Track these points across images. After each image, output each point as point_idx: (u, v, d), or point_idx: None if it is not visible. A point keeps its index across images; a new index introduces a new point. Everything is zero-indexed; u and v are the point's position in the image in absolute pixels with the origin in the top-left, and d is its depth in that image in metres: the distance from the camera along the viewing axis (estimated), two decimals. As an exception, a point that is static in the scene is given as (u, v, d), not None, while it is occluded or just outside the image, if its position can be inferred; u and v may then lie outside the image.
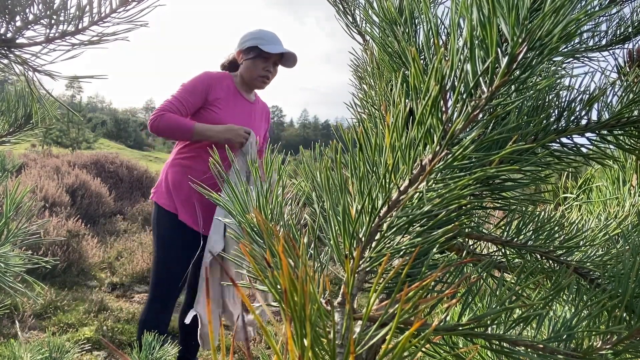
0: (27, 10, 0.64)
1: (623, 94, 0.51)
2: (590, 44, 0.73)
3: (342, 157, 0.44)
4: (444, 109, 0.39)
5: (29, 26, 0.65)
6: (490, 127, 0.44)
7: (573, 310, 0.47)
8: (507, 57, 0.36)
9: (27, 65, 0.68)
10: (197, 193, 2.15)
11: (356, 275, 0.40)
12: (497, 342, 0.43)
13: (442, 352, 0.50)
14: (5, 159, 1.08)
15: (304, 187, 0.53)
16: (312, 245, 0.48)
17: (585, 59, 0.73)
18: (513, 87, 0.39)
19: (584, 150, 0.53)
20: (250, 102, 2.28)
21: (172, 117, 2.04)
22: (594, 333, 0.46)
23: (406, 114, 0.41)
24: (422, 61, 0.51)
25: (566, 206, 0.76)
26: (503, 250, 0.56)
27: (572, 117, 0.52)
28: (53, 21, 0.65)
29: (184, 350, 2.36)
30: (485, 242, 0.60)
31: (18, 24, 0.65)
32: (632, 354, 0.46)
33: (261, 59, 2.17)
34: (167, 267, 2.16)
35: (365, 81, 0.65)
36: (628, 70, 0.68)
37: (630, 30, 0.72)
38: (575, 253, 0.56)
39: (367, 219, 0.40)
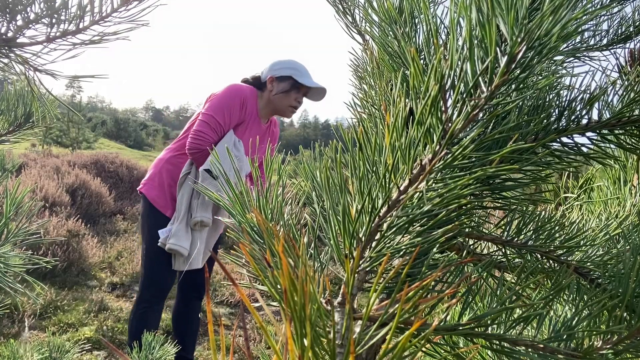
0: (29, 9, 0.64)
1: (624, 93, 0.51)
2: (591, 43, 0.73)
3: (342, 156, 0.44)
4: (443, 108, 0.39)
5: (30, 25, 0.65)
6: (490, 127, 0.44)
7: (573, 310, 0.47)
8: (506, 57, 0.36)
9: (27, 64, 0.68)
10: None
11: (356, 275, 0.40)
12: (497, 342, 0.43)
13: (442, 352, 0.50)
14: (5, 158, 1.08)
15: (304, 187, 0.53)
16: (312, 245, 0.48)
17: (586, 58, 0.73)
18: (513, 86, 0.39)
19: (584, 149, 0.53)
20: (263, 126, 2.28)
21: (201, 160, 2.02)
22: (594, 333, 0.46)
23: (406, 113, 0.40)
24: (421, 61, 0.51)
25: (567, 206, 0.76)
26: (503, 250, 0.56)
27: (573, 117, 0.52)
28: (54, 20, 0.65)
29: (181, 349, 2.36)
30: (485, 242, 0.60)
31: (19, 23, 0.65)
32: (632, 353, 0.46)
33: (295, 90, 2.17)
34: (156, 268, 2.17)
35: (365, 81, 0.65)
36: (629, 69, 0.68)
37: (631, 29, 0.72)
38: (576, 253, 0.56)
39: (367, 218, 0.40)
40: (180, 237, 2.03)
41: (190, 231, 2.09)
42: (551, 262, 0.56)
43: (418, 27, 0.53)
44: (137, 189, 2.26)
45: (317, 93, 2.25)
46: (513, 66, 0.36)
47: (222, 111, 2.05)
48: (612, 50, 0.73)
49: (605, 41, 0.73)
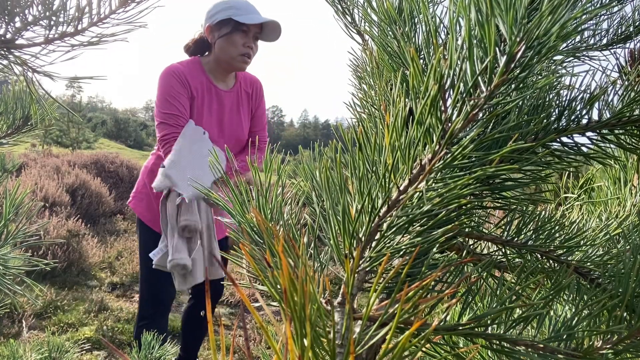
0: (27, 11, 0.64)
1: (624, 93, 0.51)
2: (591, 42, 0.73)
3: (341, 156, 0.44)
4: (443, 108, 0.39)
5: (29, 27, 0.65)
6: (489, 127, 0.43)
7: (573, 310, 0.47)
8: (505, 56, 0.36)
9: (26, 66, 0.68)
10: None
11: (356, 275, 0.40)
12: (497, 342, 0.43)
13: (442, 352, 0.50)
14: (5, 158, 1.08)
15: (304, 187, 0.53)
16: (312, 245, 0.48)
17: (586, 57, 0.73)
18: (512, 86, 0.39)
19: (584, 149, 0.53)
20: (227, 91, 1.90)
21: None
22: (594, 333, 0.46)
23: (406, 113, 0.40)
24: (421, 61, 0.51)
25: (567, 206, 0.76)
26: (503, 250, 0.56)
27: (573, 116, 0.52)
28: (52, 22, 0.65)
29: (184, 350, 2.33)
30: (485, 242, 0.60)
31: (17, 25, 0.65)
32: (632, 353, 0.46)
33: (239, 33, 1.75)
34: (155, 283, 1.95)
35: (365, 81, 0.65)
36: (629, 69, 0.68)
37: (631, 29, 0.72)
38: (576, 253, 0.56)
39: (367, 218, 0.40)
40: (181, 251, 1.72)
41: (186, 242, 1.76)
42: (551, 262, 0.56)
43: (417, 27, 0.53)
44: (127, 202, 2.04)
45: (270, 31, 1.80)
46: (512, 66, 0.36)
47: (167, 101, 1.75)
48: (612, 50, 0.73)
49: (605, 41, 0.73)
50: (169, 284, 1.89)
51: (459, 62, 0.38)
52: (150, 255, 1.80)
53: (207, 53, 1.91)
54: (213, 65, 1.85)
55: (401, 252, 0.41)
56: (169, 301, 2.06)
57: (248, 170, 1.81)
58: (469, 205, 0.48)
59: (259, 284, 0.45)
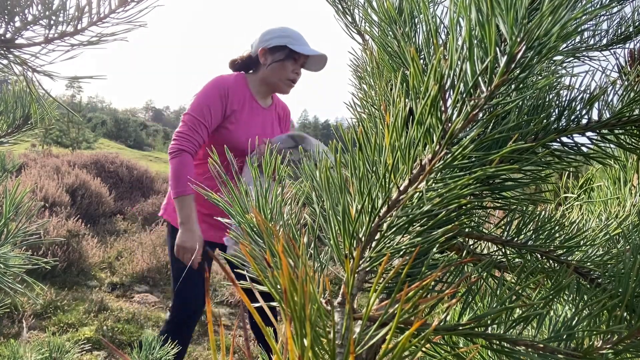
0: (26, 10, 0.64)
1: (624, 93, 0.51)
2: (591, 43, 0.73)
3: (341, 157, 0.44)
4: (443, 108, 0.39)
5: (28, 27, 0.65)
6: (490, 127, 0.43)
7: (573, 310, 0.47)
8: (505, 57, 0.36)
9: (26, 65, 0.68)
10: (205, 204, 1.97)
11: (356, 275, 0.40)
12: (497, 342, 0.43)
13: (442, 352, 0.50)
14: (5, 158, 1.08)
15: (304, 187, 0.53)
16: (312, 245, 0.48)
17: (586, 58, 0.73)
18: (512, 86, 0.39)
19: (584, 149, 0.53)
20: (265, 109, 2.05)
21: (178, 166, 1.85)
22: (594, 333, 0.46)
23: (406, 113, 0.40)
24: (421, 61, 0.51)
25: (567, 206, 0.76)
26: (503, 250, 0.56)
27: (573, 116, 0.52)
28: (52, 22, 0.65)
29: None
30: (485, 242, 0.60)
31: (17, 24, 0.65)
32: (632, 353, 0.46)
33: (291, 61, 1.92)
34: (190, 288, 1.99)
35: (365, 81, 0.65)
36: (629, 69, 0.68)
37: (631, 29, 0.72)
38: (576, 253, 0.56)
39: (367, 218, 0.40)
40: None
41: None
42: (551, 262, 0.56)
43: (418, 27, 0.53)
44: (159, 214, 2.11)
45: (317, 62, 1.98)
46: (513, 66, 0.36)
47: (202, 108, 1.86)
48: (611, 50, 0.73)
49: (604, 41, 0.73)
50: (199, 291, 1.94)
51: (459, 62, 0.38)
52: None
53: (251, 71, 2.06)
54: (258, 83, 2.00)
55: (401, 252, 0.41)
56: (198, 309, 2.06)
57: None
58: (469, 206, 0.48)
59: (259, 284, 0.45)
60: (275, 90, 2.03)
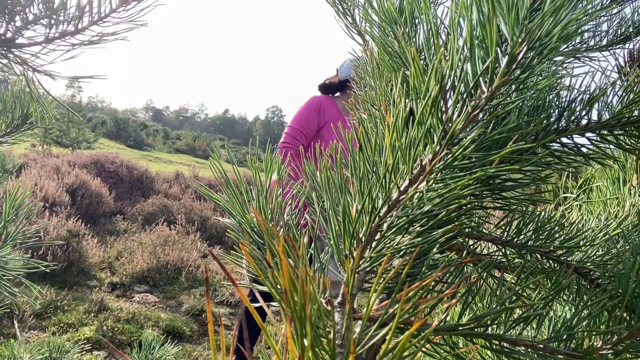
0: (27, 10, 0.64)
1: (623, 94, 0.51)
2: (591, 43, 0.73)
3: (342, 157, 0.44)
4: (444, 108, 0.39)
5: (29, 26, 0.65)
6: (490, 127, 0.44)
7: (573, 310, 0.47)
8: (506, 57, 0.36)
9: (26, 65, 0.68)
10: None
11: (356, 275, 0.40)
12: (497, 342, 0.43)
13: (442, 352, 0.50)
14: (5, 159, 1.08)
15: (304, 187, 0.53)
16: (312, 245, 0.48)
17: (586, 58, 0.73)
18: (513, 86, 0.39)
19: (584, 150, 0.53)
20: (346, 119, 2.41)
21: (290, 161, 2.13)
22: (594, 333, 0.46)
23: (406, 114, 0.40)
24: (422, 61, 0.51)
25: (566, 206, 0.76)
26: (503, 250, 0.56)
27: (573, 117, 0.52)
28: (53, 21, 0.65)
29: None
30: (485, 242, 0.60)
31: (18, 24, 0.65)
32: (632, 354, 0.46)
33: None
34: None
35: (366, 81, 0.65)
36: (629, 70, 0.68)
37: (631, 30, 0.72)
38: (576, 253, 0.56)
39: (367, 219, 0.40)
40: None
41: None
42: (551, 262, 0.56)
43: (418, 27, 0.53)
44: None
45: None
46: (514, 67, 0.36)
47: (300, 120, 2.26)
48: (611, 51, 0.73)
49: (605, 42, 0.73)
50: None
51: (460, 63, 0.38)
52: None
53: (337, 94, 2.44)
54: (343, 106, 2.33)
55: (401, 253, 0.41)
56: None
57: None
58: (469, 206, 0.48)
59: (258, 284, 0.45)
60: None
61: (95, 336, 2.91)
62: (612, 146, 0.55)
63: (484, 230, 0.57)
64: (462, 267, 0.49)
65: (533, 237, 0.55)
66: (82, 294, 3.60)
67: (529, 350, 0.43)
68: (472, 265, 0.57)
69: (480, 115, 0.39)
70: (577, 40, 0.72)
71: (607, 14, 0.71)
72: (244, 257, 0.52)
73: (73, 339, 2.81)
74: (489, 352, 0.55)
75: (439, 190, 0.39)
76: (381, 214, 0.40)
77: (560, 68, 0.64)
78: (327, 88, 2.43)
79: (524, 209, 0.55)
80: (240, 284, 0.53)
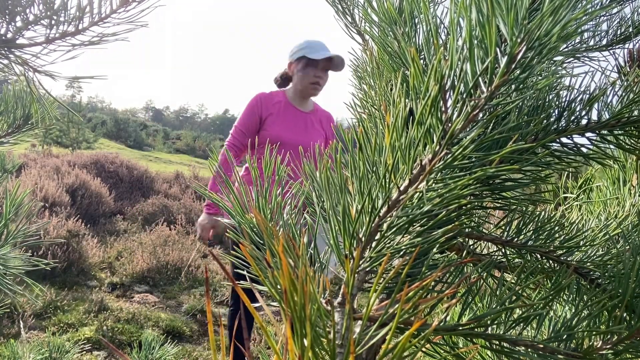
0: (28, 10, 0.64)
1: (623, 94, 0.51)
2: (591, 43, 0.73)
3: (342, 157, 0.44)
4: (443, 108, 0.39)
5: (29, 26, 0.65)
6: (490, 127, 0.44)
7: (573, 310, 0.47)
8: (506, 57, 0.36)
9: (27, 65, 0.68)
10: None
11: (356, 275, 0.40)
12: (497, 342, 0.43)
13: (442, 352, 0.50)
14: (5, 159, 1.08)
15: (304, 187, 0.53)
16: (312, 245, 0.48)
17: (586, 58, 0.73)
18: (513, 86, 0.39)
19: (584, 150, 0.53)
20: (306, 112, 2.38)
21: (220, 163, 2.20)
22: (594, 333, 0.46)
23: (406, 113, 0.40)
24: (421, 61, 0.51)
25: (566, 206, 0.76)
26: (503, 250, 0.56)
27: (573, 117, 0.52)
28: (53, 22, 0.65)
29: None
30: (485, 242, 0.60)
31: (18, 24, 0.65)
32: (632, 354, 0.46)
33: (311, 67, 2.27)
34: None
35: (365, 81, 0.65)
36: (628, 70, 0.68)
37: (630, 30, 0.72)
38: (576, 253, 0.56)
39: (367, 218, 0.40)
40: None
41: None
42: (551, 262, 0.56)
43: (418, 27, 0.53)
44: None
45: (338, 63, 2.30)
46: (513, 66, 0.36)
47: (240, 119, 2.33)
48: (611, 51, 0.73)
49: (604, 42, 0.73)
50: None
51: (459, 63, 0.38)
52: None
53: (290, 85, 2.47)
54: (293, 92, 2.38)
55: (401, 253, 0.41)
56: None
57: None
58: (469, 206, 0.48)
59: (259, 284, 0.45)
60: (305, 94, 2.36)
61: (95, 336, 2.91)
62: (612, 146, 0.55)
63: (484, 230, 0.57)
64: (462, 267, 0.49)
65: (533, 237, 0.55)
66: (82, 294, 3.60)
67: (529, 350, 0.43)
68: (472, 265, 0.57)
69: (480, 115, 0.39)
70: (577, 40, 0.72)
71: (607, 14, 0.71)
72: (244, 257, 0.52)
73: (73, 339, 2.81)
74: (489, 352, 0.56)
75: (439, 190, 0.39)
76: (381, 214, 0.41)
77: (560, 68, 0.64)
78: (283, 81, 2.46)
79: (524, 209, 0.55)
80: (240, 283, 0.53)
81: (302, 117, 2.35)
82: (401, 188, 0.40)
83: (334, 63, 2.30)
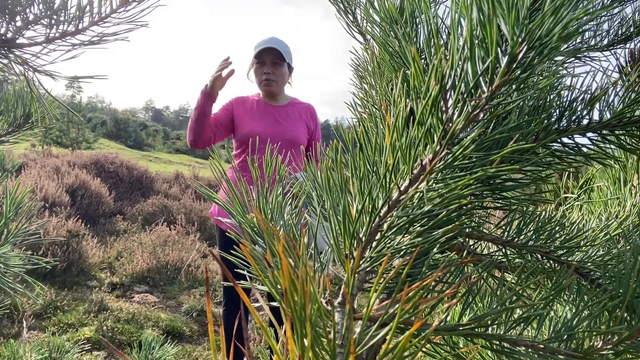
0: (28, 10, 0.64)
1: (624, 94, 0.51)
2: (592, 43, 0.73)
3: (342, 157, 0.44)
4: (444, 108, 0.39)
5: (29, 26, 0.65)
6: (490, 127, 0.43)
7: (574, 311, 0.47)
8: (507, 57, 0.36)
9: (27, 65, 0.68)
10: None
11: (356, 275, 0.40)
12: (497, 342, 0.43)
13: (442, 352, 0.50)
14: (5, 158, 1.08)
15: (305, 187, 0.53)
16: (312, 245, 0.48)
17: (587, 58, 0.73)
18: (514, 86, 0.39)
19: (585, 150, 0.53)
20: (276, 106, 2.39)
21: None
22: (594, 333, 0.46)
23: (407, 113, 0.40)
24: (422, 61, 0.51)
25: (567, 206, 0.76)
26: (504, 250, 0.56)
27: (574, 117, 0.52)
28: (53, 21, 0.64)
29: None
30: (485, 242, 0.60)
31: (18, 24, 0.65)
32: (632, 354, 0.46)
33: (258, 65, 2.28)
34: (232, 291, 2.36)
35: (366, 81, 0.65)
36: (630, 70, 0.68)
37: (632, 29, 0.72)
38: (576, 253, 0.56)
39: (368, 218, 0.40)
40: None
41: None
42: (551, 262, 0.56)
43: (419, 27, 0.53)
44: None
45: (280, 53, 2.26)
46: (514, 66, 0.36)
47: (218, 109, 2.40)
48: (612, 51, 0.73)
49: (605, 41, 0.73)
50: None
51: (460, 63, 0.38)
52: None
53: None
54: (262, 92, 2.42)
55: (401, 253, 0.41)
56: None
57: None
58: (469, 206, 0.48)
59: (259, 284, 0.45)
60: (264, 92, 2.38)
61: (95, 336, 2.91)
62: (613, 146, 0.55)
63: (484, 230, 0.57)
64: (462, 267, 0.48)
65: (533, 237, 0.55)
66: (82, 294, 3.60)
67: (530, 350, 0.43)
68: (472, 265, 0.57)
69: (481, 115, 0.39)
70: (578, 40, 0.72)
71: (608, 14, 0.71)
72: (244, 257, 0.52)
73: (73, 339, 2.81)
74: (489, 352, 0.55)
75: (440, 190, 0.39)
76: (381, 214, 0.40)
77: (561, 68, 0.64)
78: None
79: (525, 209, 0.55)
80: (240, 283, 0.53)
81: (272, 111, 2.36)
82: (401, 188, 0.40)
83: (279, 53, 2.26)
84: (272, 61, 2.27)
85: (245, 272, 0.50)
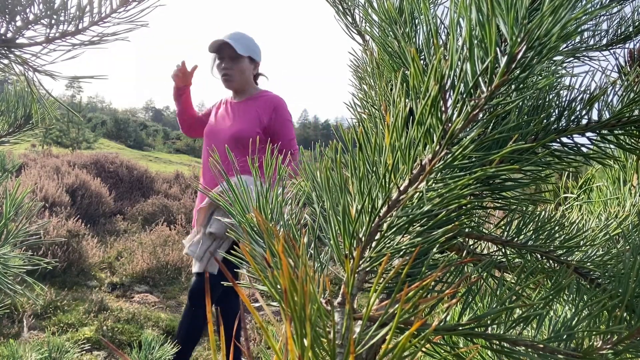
0: (28, 10, 0.64)
1: (624, 94, 0.51)
2: (591, 43, 0.73)
3: (342, 157, 0.44)
4: (443, 108, 0.39)
5: (29, 26, 0.65)
6: (490, 127, 0.44)
7: (573, 310, 0.47)
8: (506, 57, 0.36)
9: (27, 65, 0.68)
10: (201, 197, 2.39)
11: (356, 275, 0.40)
12: (497, 342, 0.43)
13: (442, 352, 0.50)
14: (5, 159, 1.08)
15: (304, 187, 0.53)
16: (312, 245, 0.48)
17: (586, 58, 0.73)
18: (513, 86, 0.39)
19: (584, 149, 0.53)
20: (238, 102, 2.40)
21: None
22: (594, 333, 0.46)
23: (406, 113, 0.40)
24: (421, 61, 0.51)
25: (566, 206, 0.76)
26: (503, 250, 0.56)
27: (573, 117, 0.52)
28: (53, 21, 0.65)
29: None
30: (485, 242, 0.60)
31: (18, 23, 0.65)
32: (632, 354, 0.46)
33: (216, 61, 2.35)
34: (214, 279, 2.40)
35: (365, 81, 0.65)
36: (629, 69, 0.68)
37: (631, 29, 0.72)
38: (576, 253, 0.56)
39: (367, 218, 0.40)
40: (192, 244, 2.26)
41: (205, 239, 2.25)
42: (551, 262, 0.56)
43: (418, 27, 0.53)
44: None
45: (234, 45, 2.25)
46: (513, 66, 0.36)
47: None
48: (611, 51, 0.73)
49: (604, 41, 0.73)
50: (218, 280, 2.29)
51: (459, 63, 0.38)
52: (183, 241, 2.35)
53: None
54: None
55: (401, 252, 0.41)
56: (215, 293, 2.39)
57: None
58: (469, 206, 0.48)
59: (259, 284, 0.45)
60: (232, 89, 2.40)
61: (95, 336, 2.91)
62: (612, 146, 0.55)
63: (484, 230, 0.57)
64: (462, 267, 0.49)
65: (533, 237, 0.55)
66: (82, 294, 3.60)
67: (529, 350, 0.43)
68: (472, 265, 0.57)
69: (480, 115, 0.39)
70: (577, 40, 0.72)
71: (607, 13, 0.72)
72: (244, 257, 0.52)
73: (73, 339, 2.81)
74: (489, 352, 0.56)
75: (439, 190, 0.39)
76: (381, 214, 0.40)
77: (560, 67, 0.64)
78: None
79: (524, 208, 0.55)
80: (239, 283, 0.53)
81: (229, 107, 2.40)
82: (401, 188, 0.40)
83: (233, 46, 2.24)
84: (229, 56, 2.27)
85: (231, 258, 0.50)
